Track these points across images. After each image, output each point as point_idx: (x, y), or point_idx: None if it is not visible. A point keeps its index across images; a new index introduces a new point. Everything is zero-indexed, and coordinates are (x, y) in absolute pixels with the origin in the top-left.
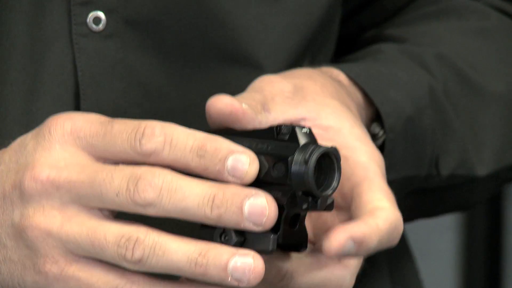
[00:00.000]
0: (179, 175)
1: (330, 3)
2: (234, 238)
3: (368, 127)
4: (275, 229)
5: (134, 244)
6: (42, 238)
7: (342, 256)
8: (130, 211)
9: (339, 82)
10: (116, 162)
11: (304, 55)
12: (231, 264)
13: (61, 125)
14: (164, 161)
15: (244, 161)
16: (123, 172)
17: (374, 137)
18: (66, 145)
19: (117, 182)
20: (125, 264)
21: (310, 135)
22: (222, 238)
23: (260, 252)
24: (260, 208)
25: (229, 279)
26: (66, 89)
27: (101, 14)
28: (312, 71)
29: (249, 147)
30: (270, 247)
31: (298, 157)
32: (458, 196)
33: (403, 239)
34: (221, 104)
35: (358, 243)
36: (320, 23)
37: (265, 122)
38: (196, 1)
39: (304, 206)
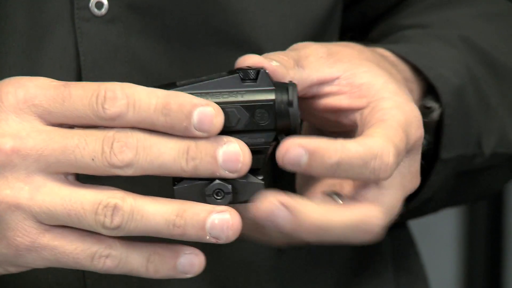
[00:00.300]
0: (149, 133)
1: None
2: (230, 191)
3: (420, 101)
4: (254, 172)
5: (113, 211)
6: (11, 211)
7: (292, 166)
8: (105, 174)
9: (384, 56)
10: (73, 127)
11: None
12: (209, 222)
13: (13, 93)
14: (129, 123)
15: (210, 113)
16: (95, 136)
17: (428, 110)
18: (21, 114)
19: (91, 146)
20: (103, 231)
21: (269, 75)
22: (214, 195)
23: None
24: (234, 154)
25: (208, 237)
26: (68, 73)
27: None
28: (351, 42)
29: (220, 99)
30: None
31: (280, 99)
32: (485, 180)
33: (404, 224)
34: (250, 61)
35: (311, 153)
36: (324, 10)
37: (299, 77)
38: None
39: None
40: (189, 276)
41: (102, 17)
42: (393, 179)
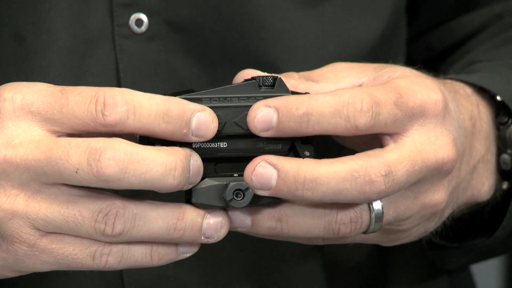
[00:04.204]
0: (138, 146)
1: (386, 17)
2: (247, 186)
3: (494, 118)
4: None
5: (115, 219)
6: (8, 219)
7: (266, 127)
8: (92, 186)
9: (446, 82)
10: (73, 133)
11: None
12: (205, 224)
13: (10, 99)
14: (129, 130)
15: (207, 118)
16: (79, 148)
17: (504, 126)
18: (18, 121)
19: (74, 158)
20: (102, 238)
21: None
22: (235, 197)
23: (270, 203)
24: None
25: (202, 238)
26: None
27: (143, 16)
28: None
29: (238, 103)
30: (278, 198)
31: None
32: None
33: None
34: (246, 74)
35: (278, 109)
36: (374, 35)
37: (312, 90)
38: (236, 4)
39: (307, 154)
40: (189, 255)
41: (142, 34)
42: (399, 139)
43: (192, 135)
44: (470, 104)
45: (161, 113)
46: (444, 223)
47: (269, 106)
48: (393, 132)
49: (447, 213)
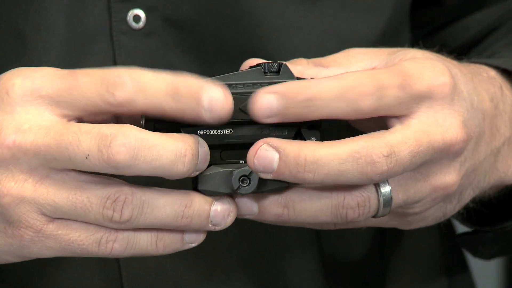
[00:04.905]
0: (148, 133)
1: (385, 13)
2: (251, 171)
3: None
4: None
5: (123, 206)
6: (15, 204)
7: (269, 114)
8: (102, 172)
9: (469, 65)
10: (84, 116)
11: None
12: (213, 211)
13: (19, 85)
14: (138, 109)
15: (219, 96)
16: (90, 134)
17: None
18: (27, 106)
19: (85, 144)
20: (109, 225)
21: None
22: (241, 184)
23: (278, 189)
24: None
25: (210, 226)
26: None
27: (140, 12)
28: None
29: (243, 90)
30: (286, 183)
31: None
32: None
33: (459, 248)
34: (252, 62)
35: (279, 94)
36: (373, 32)
37: (322, 75)
38: (234, 1)
39: (313, 140)
40: (194, 245)
41: (139, 30)
42: (406, 121)
43: (206, 112)
44: (492, 86)
45: (170, 91)
46: (467, 207)
47: (271, 93)
48: (399, 114)
49: (467, 196)
